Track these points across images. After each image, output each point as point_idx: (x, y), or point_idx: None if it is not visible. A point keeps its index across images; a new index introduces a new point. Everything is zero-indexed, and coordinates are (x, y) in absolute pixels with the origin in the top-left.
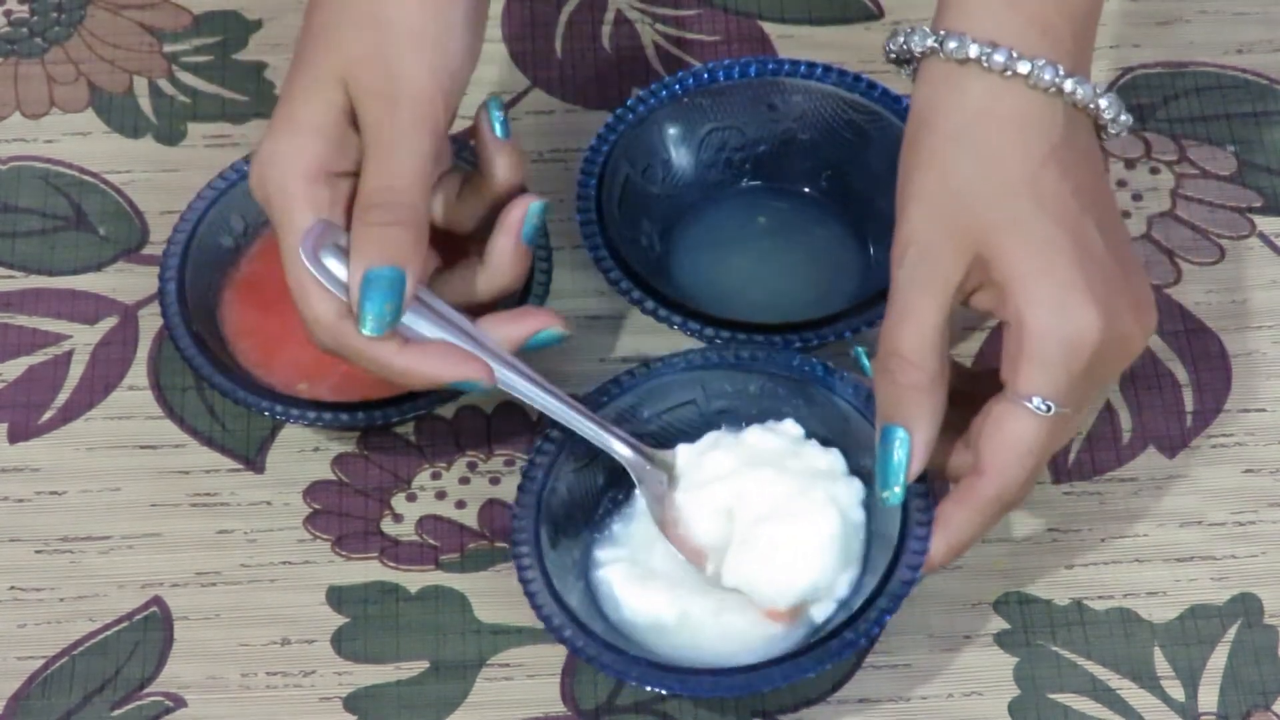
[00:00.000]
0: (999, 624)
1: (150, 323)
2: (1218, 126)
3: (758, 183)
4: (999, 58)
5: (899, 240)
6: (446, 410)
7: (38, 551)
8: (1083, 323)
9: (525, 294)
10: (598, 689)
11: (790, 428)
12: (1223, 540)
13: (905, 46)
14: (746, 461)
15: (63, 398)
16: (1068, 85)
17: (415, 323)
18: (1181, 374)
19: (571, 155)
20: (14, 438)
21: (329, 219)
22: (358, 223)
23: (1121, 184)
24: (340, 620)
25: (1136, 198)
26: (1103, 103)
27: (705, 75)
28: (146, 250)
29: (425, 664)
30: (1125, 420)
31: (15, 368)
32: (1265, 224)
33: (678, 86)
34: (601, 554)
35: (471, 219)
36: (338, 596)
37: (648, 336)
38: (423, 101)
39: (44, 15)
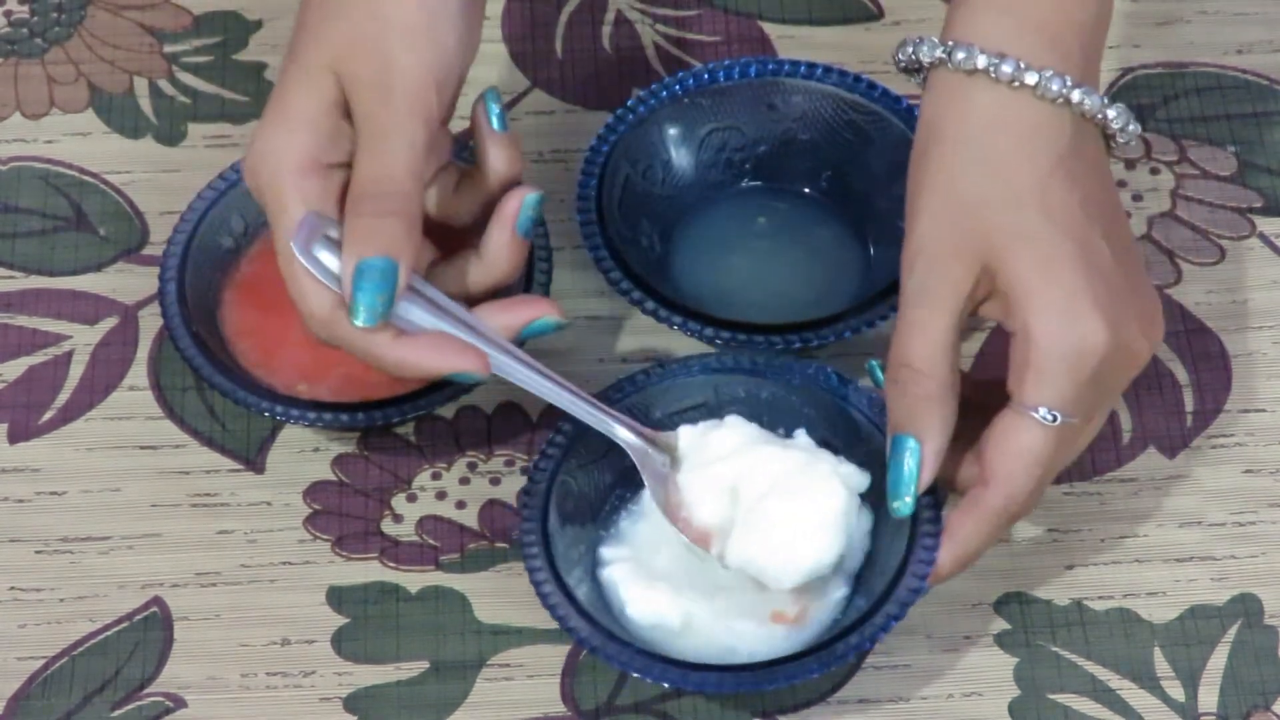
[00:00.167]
0: (999, 624)
1: (150, 323)
2: (1218, 127)
3: (758, 183)
4: (1007, 68)
5: (908, 250)
6: (446, 410)
7: (38, 552)
8: (1088, 333)
9: (525, 293)
10: (598, 689)
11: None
12: (1223, 540)
13: (914, 56)
14: (750, 440)
15: (63, 398)
16: (1075, 95)
17: (410, 313)
18: (1181, 374)
19: (571, 155)
20: (14, 438)
21: (322, 211)
22: (350, 214)
23: (1122, 184)
24: (340, 620)
25: (1137, 198)
26: (1111, 113)
27: (705, 75)
28: (146, 250)
29: (425, 664)
30: (1125, 420)
31: (15, 368)
32: (1265, 224)
33: (678, 86)
34: (607, 552)
35: (468, 212)
36: (338, 597)
37: (648, 336)
38: (416, 92)
39: (44, 15)
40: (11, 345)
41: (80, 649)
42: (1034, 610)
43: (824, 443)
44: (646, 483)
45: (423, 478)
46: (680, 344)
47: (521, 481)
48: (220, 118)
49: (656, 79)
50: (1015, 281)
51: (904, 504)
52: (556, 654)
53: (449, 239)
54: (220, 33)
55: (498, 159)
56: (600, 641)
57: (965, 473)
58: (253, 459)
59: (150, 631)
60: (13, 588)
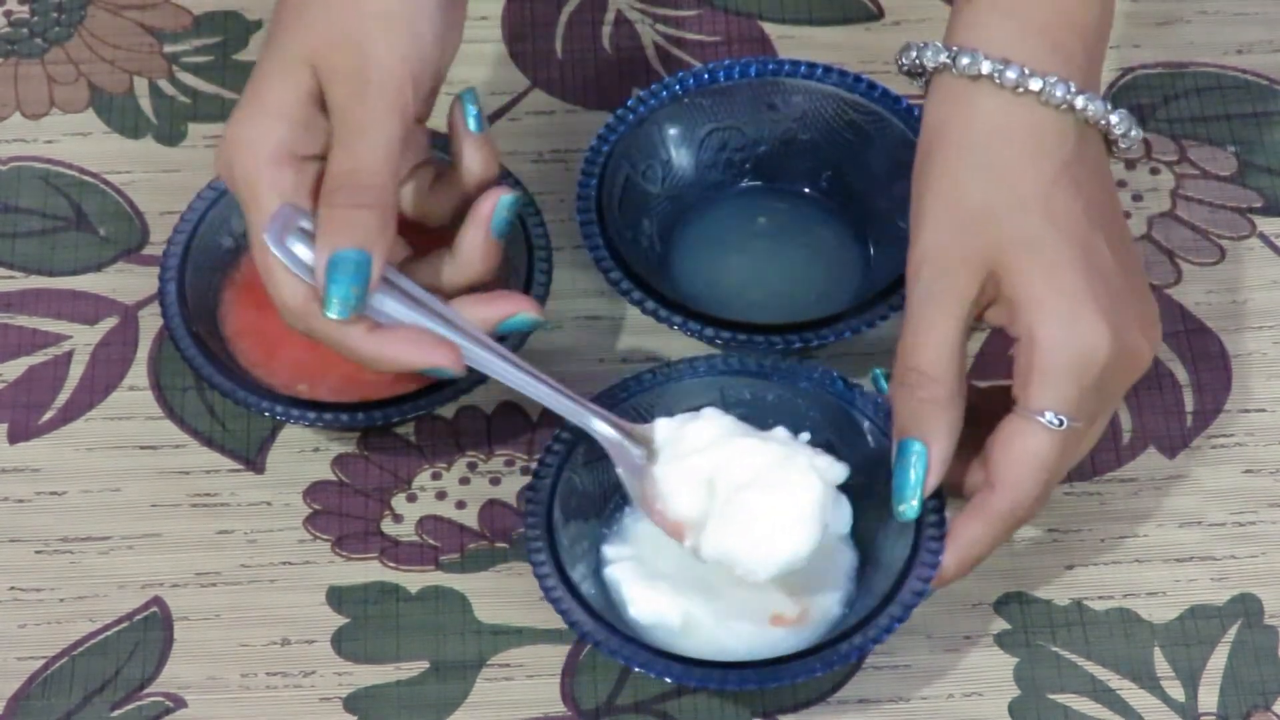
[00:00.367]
0: (999, 624)
1: (150, 323)
2: (1218, 127)
3: (758, 183)
4: (1011, 74)
5: (914, 256)
6: (446, 410)
7: (38, 552)
8: (1092, 338)
9: (525, 293)
10: (598, 689)
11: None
12: (1223, 540)
13: (918, 61)
14: (727, 432)
15: (63, 398)
16: (1079, 102)
17: (386, 305)
18: (1181, 374)
19: (571, 155)
20: (14, 438)
21: (296, 203)
22: (324, 205)
23: (1122, 184)
24: (340, 620)
25: (1137, 198)
26: (1114, 118)
27: (705, 75)
28: (146, 250)
29: (425, 664)
30: (1125, 420)
31: (15, 368)
32: (1265, 224)
33: (678, 86)
34: (610, 550)
35: (443, 211)
36: (338, 597)
37: (648, 336)
38: (392, 85)
39: (44, 15)
40: (11, 345)
41: (80, 649)
42: (1034, 610)
43: (828, 445)
44: (621, 476)
45: (423, 478)
46: (680, 344)
47: (521, 481)
48: (220, 118)
49: (656, 79)
50: (1020, 289)
51: (910, 507)
52: (556, 654)
53: (424, 238)
54: (220, 33)
55: (473, 160)
56: (603, 636)
57: (972, 479)
58: (253, 459)
59: (150, 631)
60: (13, 588)
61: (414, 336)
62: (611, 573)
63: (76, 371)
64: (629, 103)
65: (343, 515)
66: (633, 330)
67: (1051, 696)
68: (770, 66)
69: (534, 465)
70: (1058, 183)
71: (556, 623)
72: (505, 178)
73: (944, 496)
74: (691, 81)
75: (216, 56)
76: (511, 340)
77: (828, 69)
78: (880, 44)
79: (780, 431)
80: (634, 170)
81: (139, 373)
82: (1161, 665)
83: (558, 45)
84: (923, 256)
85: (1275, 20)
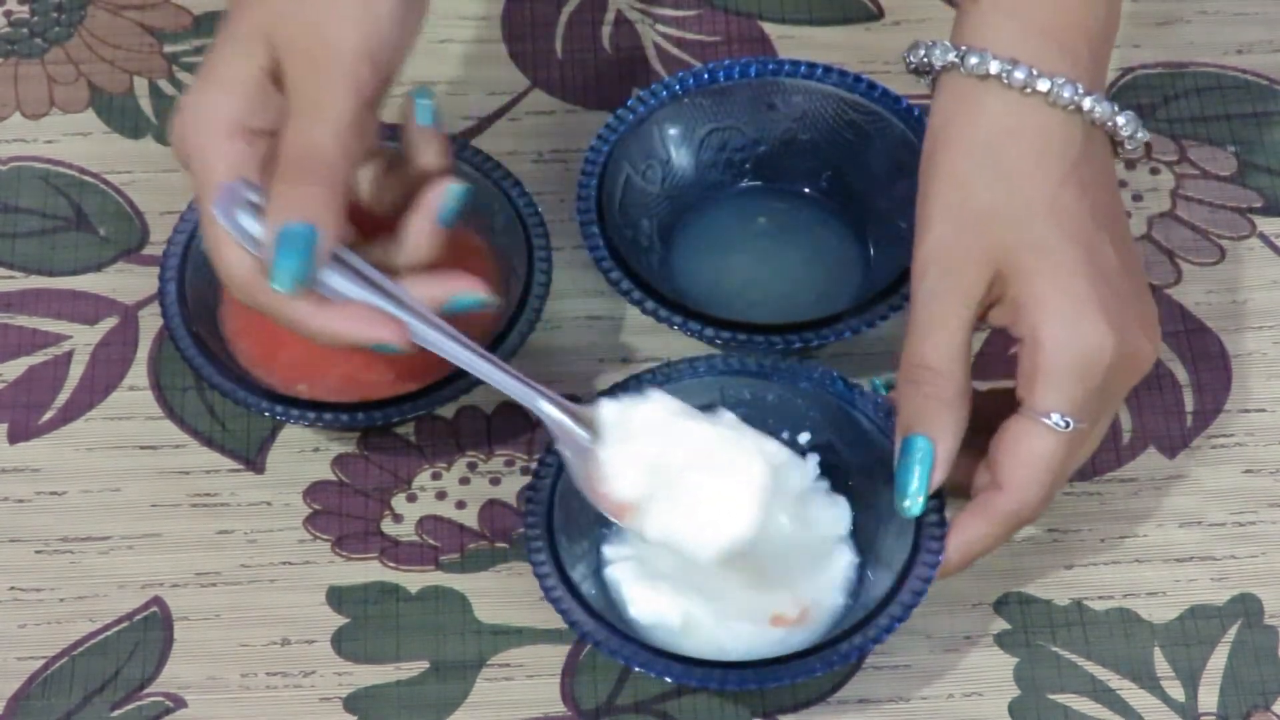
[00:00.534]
0: (999, 624)
1: (150, 323)
2: (1218, 127)
3: (758, 183)
4: (1019, 75)
5: (921, 255)
6: (447, 410)
7: (38, 551)
8: (1096, 340)
9: (525, 293)
10: (598, 689)
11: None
12: (1223, 540)
13: (925, 59)
14: (672, 414)
15: (63, 398)
16: (1086, 103)
17: (335, 282)
18: (1181, 374)
19: (571, 155)
20: (14, 438)
21: (247, 176)
22: (275, 180)
23: (1122, 184)
24: (340, 620)
25: (1137, 198)
26: (1120, 120)
27: (705, 75)
28: (146, 250)
29: (425, 664)
30: (1125, 420)
31: (15, 368)
32: (1265, 224)
33: (678, 86)
34: (610, 550)
35: (394, 199)
36: (338, 597)
37: (648, 336)
38: (348, 63)
39: (44, 15)
40: (11, 345)
41: (80, 649)
42: (1034, 610)
43: (828, 446)
44: (565, 457)
45: (423, 478)
46: (680, 344)
47: (522, 481)
48: None
49: (656, 79)
50: (1026, 290)
51: (915, 504)
52: (556, 654)
53: (372, 226)
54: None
55: (424, 153)
56: (603, 636)
57: (979, 481)
58: (253, 459)
59: (150, 631)
60: (13, 588)
61: (360, 312)
62: (611, 573)
63: (76, 371)
64: (629, 103)
65: (343, 515)
66: (633, 330)
67: (1051, 696)
68: (770, 66)
69: (534, 465)
70: (1064, 184)
71: (556, 623)
72: (504, 178)
73: (944, 496)
74: (691, 81)
75: None
76: (510, 342)
77: (828, 69)
78: (880, 44)
79: (727, 415)
80: (634, 170)
81: (139, 373)
82: (1161, 665)
83: (558, 45)
84: (929, 255)
85: (1275, 20)
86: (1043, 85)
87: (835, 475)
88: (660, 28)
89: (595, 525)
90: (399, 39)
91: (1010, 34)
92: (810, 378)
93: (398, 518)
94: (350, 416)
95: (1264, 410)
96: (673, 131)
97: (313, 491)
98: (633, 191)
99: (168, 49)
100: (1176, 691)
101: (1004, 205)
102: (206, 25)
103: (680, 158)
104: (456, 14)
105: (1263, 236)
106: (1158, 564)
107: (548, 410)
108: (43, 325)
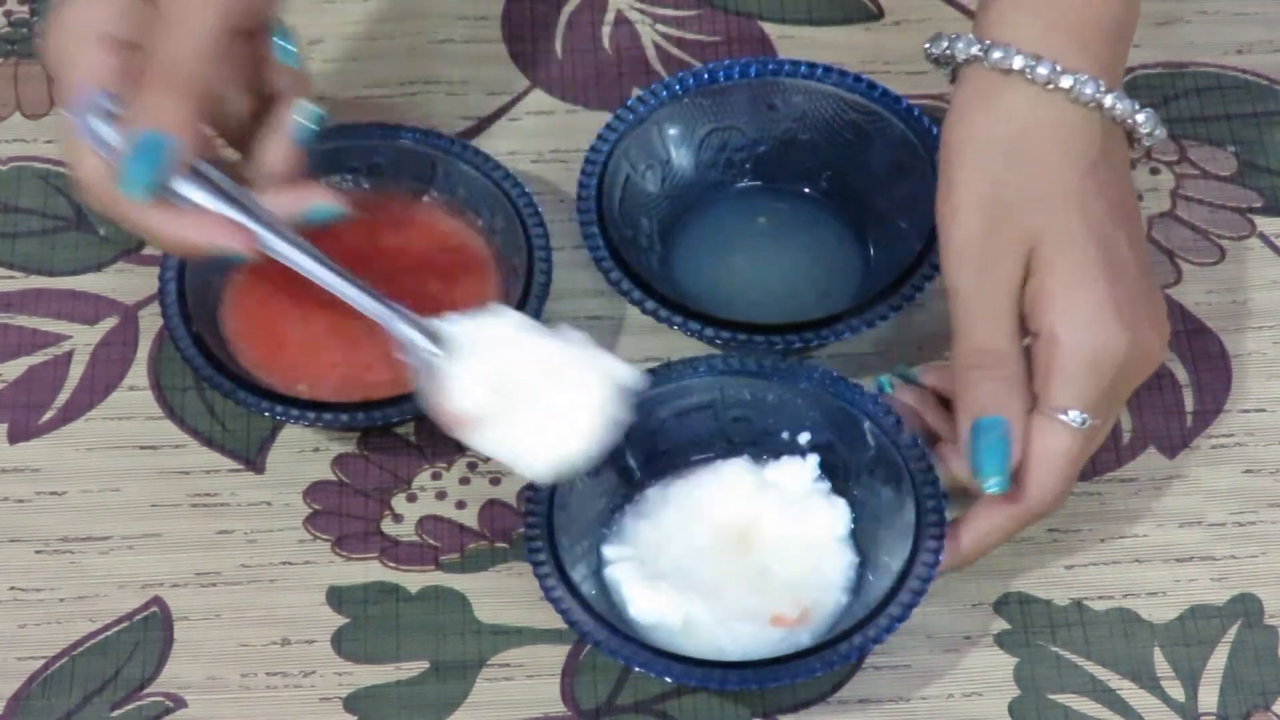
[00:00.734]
0: (999, 624)
1: (150, 323)
2: (1218, 127)
3: (758, 183)
4: (1042, 71)
5: (957, 245)
6: None
7: (38, 551)
8: (1111, 339)
9: (525, 293)
10: (598, 689)
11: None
12: (1223, 540)
13: (948, 51)
14: (518, 330)
15: (63, 398)
16: (1107, 101)
17: (191, 192)
18: (1181, 374)
19: (571, 155)
20: (14, 438)
21: (109, 86)
22: (136, 88)
23: None
24: (340, 620)
25: (1137, 198)
26: (1140, 118)
27: (705, 75)
28: (146, 250)
29: (425, 664)
30: (1125, 420)
31: (15, 368)
32: (1265, 224)
33: (678, 86)
34: (610, 551)
35: (250, 126)
36: (338, 597)
37: (648, 336)
38: None
39: (44, 15)
40: (11, 345)
41: (80, 649)
42: (1034, 610)
43: (828, 446)
44: (411, 372)
45: (423, 478)
46: (680, 344)
47: (522, 481)
48: None
49: (656, 79)
50: (1047, 285)
51: (1001, 481)
52: (556, 654)
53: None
54: None
55: (283, 81)
56: (603, 636)
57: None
58: (253, 459)
59: (150, 631)
60: (13, 588)
61: (207, 220)
62: (612, 573)
63: (76, 371)
64: (629, 103)
65: (343, 515)
66: (633, 330)
67: (1051, 696)
68: (770, 66)
69: None
70: (1086, 179)
71: (556, 623)
72: (504, 178)
73: (946, 496)
74: (691, 81)
75: None
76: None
77: (828, 69)
78: (880, 44)
79: (574, 334)
80: (634, 170)
81: (139, 373)
82: (1161, 665)
83: (558, 45)
84: (968, 244)
85: (1275, 20)
86: (1065, 82)
87: (835, 475)
88: (660, 28)
89: (595, 525)
90: None
91: (1034, 30)
92: (810, 378)
93: (398, 518)
94: (350, 416)
95: (1264, 410)
96: (673, 131)
97: (313, 491)
98: (633, 191)
99: None
100: (1176, 691)
101: (1033, 194)
102: None
103: (680, 158)
104: (456, 14)
105: (1263, 236)
106: (1158, 564)
107: (399, 328)
108: (43, 325)
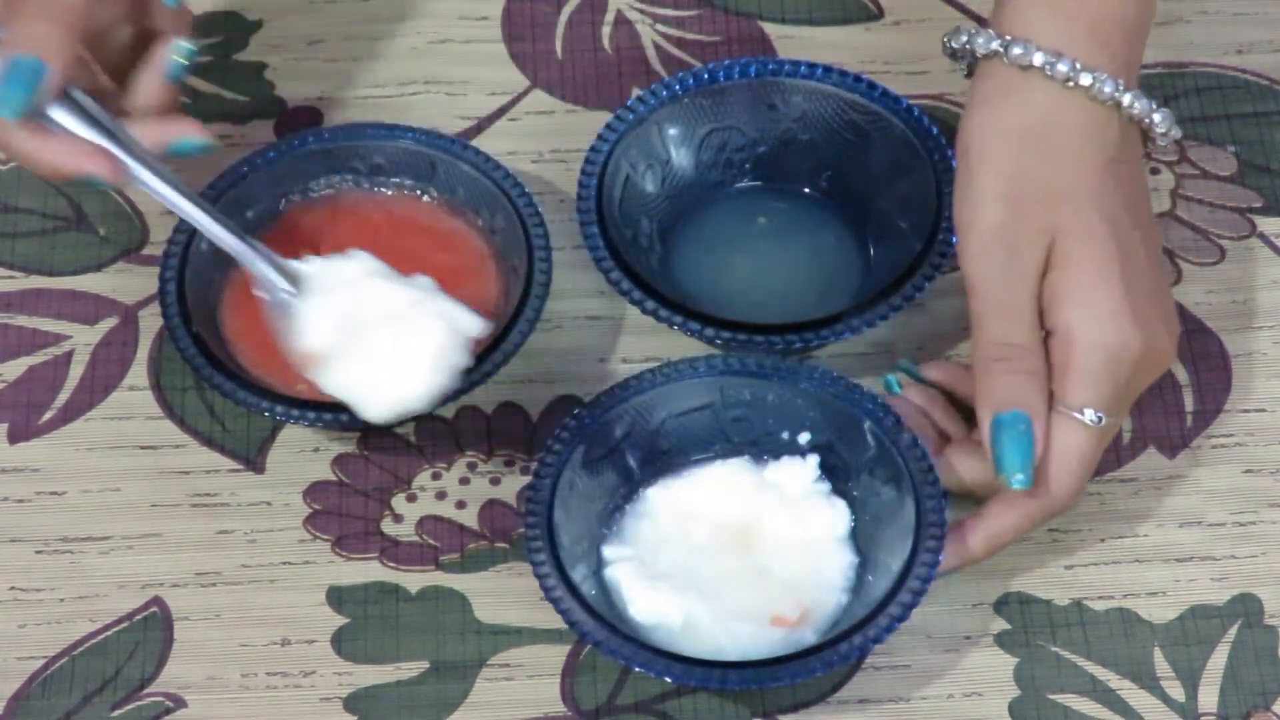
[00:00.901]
0: (999, 624)
1: (150, 323)
2: (1218, 127)
3: (758, 183)
4: (1062, 68)
5: (979, 237)
6: (446, 410)
7: (38, 552)
8: (1126, 339)
9: (525, 293)
10: (598, 689)
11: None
12: (1223, 540)
13: (967, 46)
14: (369, 273)
15: (63, 398)
16: (1126, 99)
17: (65, 119)
18: (1181, 374)
19: (571, 155)
20: (14, 438)
21: None
22: (11, 15)
23: None
24: (340, 620)
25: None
26: (1157, 117)
27: (705, 75)
28: (146, 250)
29: (425, 664)
30: (1125, 420)
31: (15, 368)
32: (1265, 224)
33: (678, 86)
34: (609, 551)
35: (130, 64)
36: (338, 597)
37: (648, 336)
38: None
39: None
40: (11, 345)
41: (80, 649)
42: (1034, 610)
43: (828, 446)
44: (265, 308)
45: (423, 478)
46: (680, 344)
47: (521, 481)
48: (220, 118)
49: (656, 79)
50: (1064, 281)
51: (1025, 477)
52: (556, 654)
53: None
54: (220, 32)
55: (164, 20)
56: (603, 636)
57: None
58: (253, 459)
59: (150, 631)
60: (13, 588)
61: (74, 144)
62: (612, 573)
63: (76, 371)
64: (629, 103)
65: (343, 515)
66: (633, 330)
67: (1051, 696)
68: (770, 66)
69: (534, 465)
70: (1105, 176)
71: (556, 623)
72: (504, 178)
73: (946, 496)
74: (691, 81)
75: (216, 56)
76: (510, 342)
77: (828, 69)
78: (880, 44)
79: (424, 280)
80: (634, 170)
81: (139, 373)
82: (1161, 665)
83: (558, 45)
84: (990, 235)
85: (1275, 20)
86: (1085, 80)
87: (835, 475)
88: (660, 28)
89: (595, 525)
90: None
91: (1054, 27)
92: (810, 378)
93: (398, 518)
94: (350, 416)
95: (1264, 410)
96: (673, 131)
97: (313, 491)
98: (633, 191)
99: None
100: (1176, 691)
101: (1055, 187)
102: (207, 25)
103: (680, 158)
104: (456, 14)
105: (1263, 236)
106: (1158, 564)
107: (256, 265)
108: (43, 325)
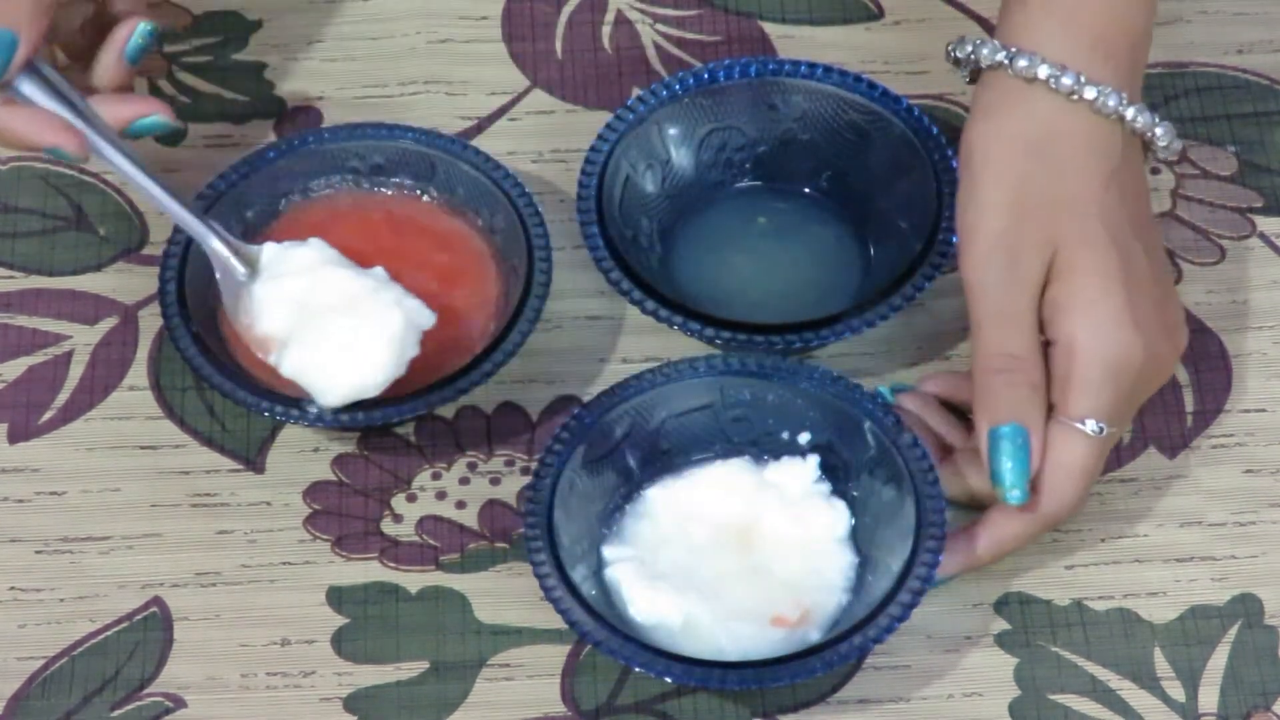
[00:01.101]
0: (999, 625)
1: (150, 323)
2: (1218, 127)
3: (758, 183)
4: (1067, 81)
5: (981, 246)
6: (446, 410)
7: (38, 552)
8: (1127, 349)
9: (525, 293)
10: (598, 689)
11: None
12: (1223, 540)
13: (972, 56)
14: (326, 261)
15: (63, 398)
16: (1129, 113)
17: (32, 94)
18: (1182, 374)
19: (571, 155)
20: (14, 438)
21: None
22: None
23: None
24: (340, 620)
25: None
26: (1159, 131)
27: (705, 75)
28: (146, 250)
29: (425, 664)
30: None
31: (15, 368)
32: (1266, 224)
33: (678, 86)
34: (609, 551)
35: (91, 43)
36: (338, 597)
37: (648, 336)
38: None
39: None
40: (11, 345)
41: (80, 649)
42: (1034, 610)
43: (828, 446)
44: (222, 291)
45: (423, 478)
46: (680, 344)
47: (522, 481)
48: (220, 118)
49: (656, 79)
50: (1066, 292)
51: (1021, 492)
52: (556, 654)
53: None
54: (220, 32)
55: (123, 3)
56: (603, 636)
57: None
58: (253, 459)
59: (150, 631)
60: (13, 588)
61: (42, 117)
62: (612, 573)
63: (76, 371)
64: (629, 103)
65: (343, 515)
66: (633, 330)
67: (1052, 697)
68: (770, 66)
69: (534, 465)
70: (1108, 188)
71: (556, 623)
72: (504, 178)
73: (948, 499)
74: (691, 81)
75: (216, 56)
76: (510, 342)
77: (828, 69)
78: (880, 44)
79: (378, 270)
80: (634, 170)
81: (139, 373)
82: (1161, 665)
83: (558, 45)
84: (992, 244)
85: (1275, 20)
86: (1089, 93)
87: (835, 475)
88: (660, 28)
89: (595, 525)
90: None
91: (1060, 40)
92: (810, 378)
93: (398, 518)
94: (350, 416)
95: (1264, 410)
96: (673, 131)
97: (313, 491)
98: (633, 191)
99: (167, 49)
100: (1177, 691)
101: (1057, 196)
102: (207, 25)
103: (680, 158)
104: (456, 14)
105: (1263, 236)
106: (1158, 564)
107: (213, 245)
108: (43, 325)
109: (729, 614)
